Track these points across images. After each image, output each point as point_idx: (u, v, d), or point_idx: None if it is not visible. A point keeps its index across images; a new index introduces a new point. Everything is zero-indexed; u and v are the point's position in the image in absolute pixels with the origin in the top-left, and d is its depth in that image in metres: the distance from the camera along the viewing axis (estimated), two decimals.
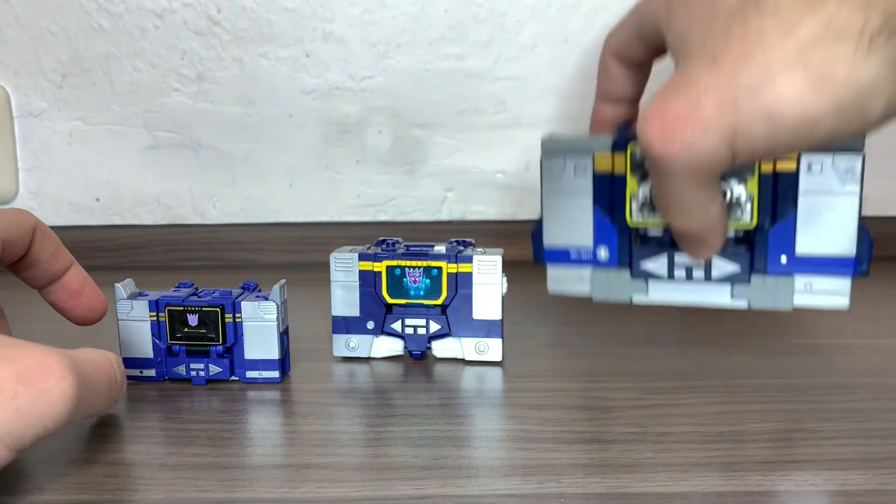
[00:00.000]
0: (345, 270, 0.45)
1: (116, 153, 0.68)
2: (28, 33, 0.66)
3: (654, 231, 0.40)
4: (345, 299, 0.45)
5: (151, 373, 0.42)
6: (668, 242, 0.40)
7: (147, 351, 0.42)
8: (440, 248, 0.45)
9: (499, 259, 0.44)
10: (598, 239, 0.40)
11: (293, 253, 0.69)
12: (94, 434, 0.37)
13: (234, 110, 0.67)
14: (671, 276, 0.40)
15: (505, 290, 0.44)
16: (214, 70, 0.66)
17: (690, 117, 0.28)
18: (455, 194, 0.69)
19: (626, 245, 0.40)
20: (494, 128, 0.67)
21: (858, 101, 0.26)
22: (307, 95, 0.67)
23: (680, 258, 0.39)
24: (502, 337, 0.45)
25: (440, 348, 0.45)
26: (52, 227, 0.40)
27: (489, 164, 0.68)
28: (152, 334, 0.42)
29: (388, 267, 0.44)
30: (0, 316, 0.40)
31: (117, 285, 0.42)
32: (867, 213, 0.72)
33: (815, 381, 0.42)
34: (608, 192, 0.40)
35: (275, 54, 0.66)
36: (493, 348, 0.45)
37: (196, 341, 0.42)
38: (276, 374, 0.42)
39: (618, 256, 0.41)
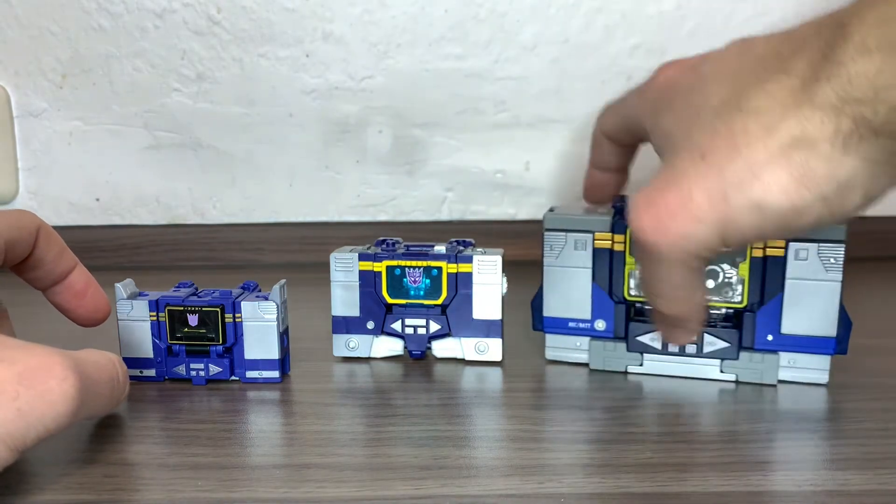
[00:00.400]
0: (345, 270, 0.45)
1: (116, 153, 0.68)
2: (28, 33, 0.66)
3: (650, 306, 0.41)
4: (345, 299, 0.45)
5: (151, 373, 0.42)
6: None
7: (147, 351, 0.42)
8: (440, 248, 0.45)
9: (499, 259, 0.44)
10: (596, 312, 0.43)
11: (293, 253, 0.69)
12: (94, 434, 0.37)
13: (234, 110, 0.67)
14: (665, 350, 0.42)
15: (505, 290, 0.44)
16: (214, 70, 0.66)
17: (683, 209, 0.30)
18: (455, 194, 0.69)
19: (623, 318, 0.43)
20: (494, 128, 0.67)
21: (839, 193, 0.28)
22: (307, 95, 0.67)
23: None
24: (502, 337, 0.45)
25: (440, 348, 0.45)
26: (52, 227, 0.40)
27: (489, 164, 0.68)
28: (152, 334, 0.42)
29: (388, 267, 0.44)
30: (3, 316, 0.40)
31: (117, 285, 0.42)
32: (868, 213, 0.72)
33: None
34: (607, 268, 0.42)
35: (275, 54, 0.66)
36: (493, 348, 0.45)
37: (196, 341, 0.42)
38: (276, 374, 0.42)
39: (614, 329, 0.43)
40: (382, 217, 0.70)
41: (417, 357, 0.46)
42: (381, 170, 0.68)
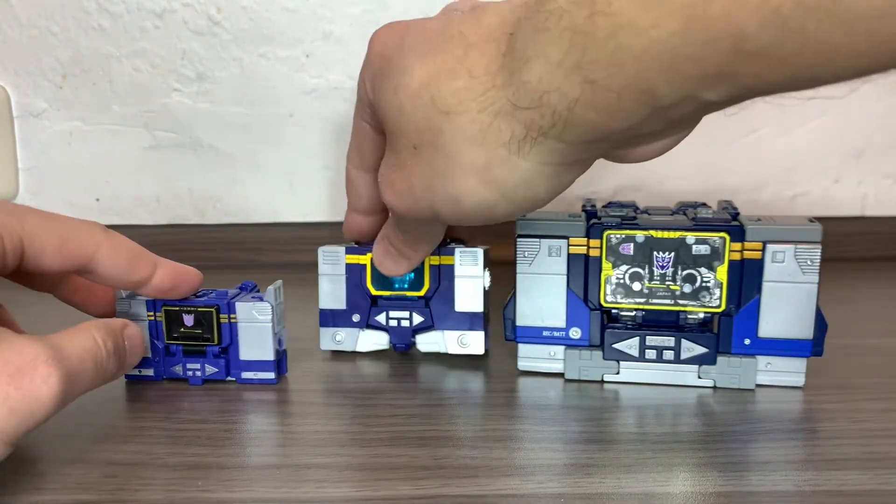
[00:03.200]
0: (332, 263, 0.45)
1: (116, 153, 0.68)
2: (28, 33, 0.66)
3: (627, 313, 0.42)
4: (332, 292, 0.45)
5: (150, 372, 0.42)
6: (640, 325, 0.41)
7: (146, 350, 0.42)
8: None
9: (480, 252, 0.44)
10: (571, 320, 0.42)
11: (293, 253, 0.69)
12: (94, 434, 0.37)
13: (234, 110, 0.67)
14: (642, 357, 0.41)
15: (488, 284, 0.44)
16: (214, 70, 0.66)
17: (407, 192, 0.34)
18: None
19: (599, 326, 0.42)
20: None
21: (523, 190, 0.31)
22: (307, 95, 0.67)
23: (651, 340, 0.41)
24: (485, 330, 0.45)
25: (424, 342, 0.45)
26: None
27: None
28: (150, 334, 0.42)
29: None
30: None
31: None
32: (868, 213, 0.72)
33: (816, 381, 0.42)
34: (582, 274, 0.41)
35: (275, 54, 0.66)
36: (475, 341, 0.45)
37: (192, 341, 0.42)
38: (271, 374, 0.42)
39: (590, 337, 0.42)
40: None
41: (402, 350, 0.46)
42: None
